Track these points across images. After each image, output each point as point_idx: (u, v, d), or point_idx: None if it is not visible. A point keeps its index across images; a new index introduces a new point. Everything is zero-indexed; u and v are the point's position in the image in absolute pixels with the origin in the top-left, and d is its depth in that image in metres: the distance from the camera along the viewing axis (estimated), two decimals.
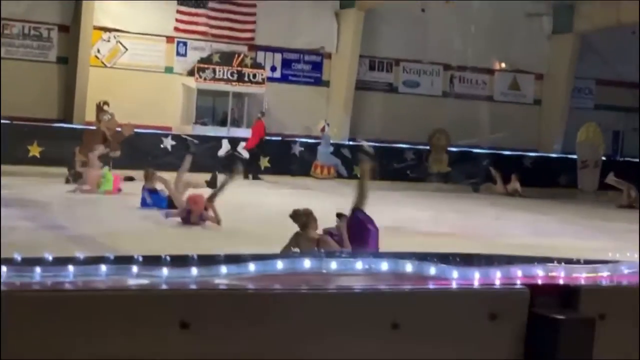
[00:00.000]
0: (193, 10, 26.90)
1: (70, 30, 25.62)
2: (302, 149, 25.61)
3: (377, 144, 27.16)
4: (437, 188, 23.87)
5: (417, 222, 14.74)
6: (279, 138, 25.39)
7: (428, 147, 27.45)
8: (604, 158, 27.30)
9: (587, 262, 3.61)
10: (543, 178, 27.53)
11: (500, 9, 29.34)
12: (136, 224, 12.60)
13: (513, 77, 31.86)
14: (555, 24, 31.00)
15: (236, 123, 27.30)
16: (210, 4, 27.05)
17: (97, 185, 16.59)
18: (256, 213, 14.24)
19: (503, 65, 31.58)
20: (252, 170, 23.32)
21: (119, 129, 18.34)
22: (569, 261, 3.58)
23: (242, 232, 11.69)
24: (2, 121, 21.90)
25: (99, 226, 11.87)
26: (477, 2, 26.72)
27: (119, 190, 16.81)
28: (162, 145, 23.46)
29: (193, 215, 12.70)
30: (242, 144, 25.16)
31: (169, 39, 26.98)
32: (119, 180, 17.07)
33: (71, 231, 11.41)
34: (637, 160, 30.20)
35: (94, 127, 18.98)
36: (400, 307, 3.00)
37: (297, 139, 26.19)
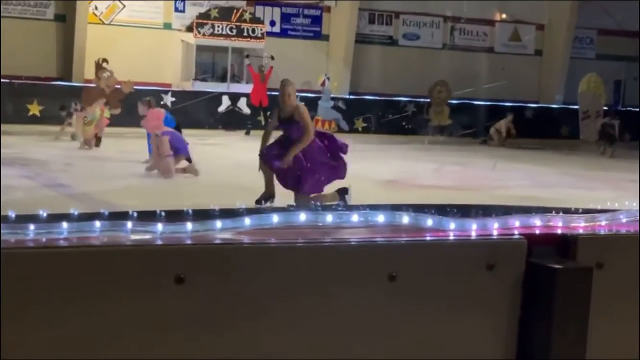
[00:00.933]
0: None
1: None
2: (303, 103, 25.47)
3: (377, 97, 27.24)
4: (437, 140, 23.84)
5: (416, 175, 14.72)
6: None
7: (429, 100, 27.34)
8: (605, 108, 27.17)
9: (585, 211, 3.61)
10: (544, 129, 27.52)
11: None
12: (136, 180, 12.58)
13: (514, 28, 31.65)
14: None
15: (236, 79, 27.20)
16: None
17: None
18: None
19: (504, 16, 31.34)
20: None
21: (118, 86, 18.24)
22: (566, 211, 3.56)
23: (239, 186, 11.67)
24: (1, 80, 21.85)
25: (98, 184, 11.86)
26: None
27: (98, 138, 16.99)
28: (162, 102, 23.37)
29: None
30: (243, 99, 25.08)
31: None
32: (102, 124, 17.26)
33: (71, 189, 11.41)
34: (639, 109, 30.14)
35: (93, 85, 18.87)
36: (397, 258, 2.99)
37: (297, 94, 26.06)
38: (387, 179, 13.93)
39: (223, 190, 11.18)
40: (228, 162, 15.33)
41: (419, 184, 13.77)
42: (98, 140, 17.38)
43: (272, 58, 24.73)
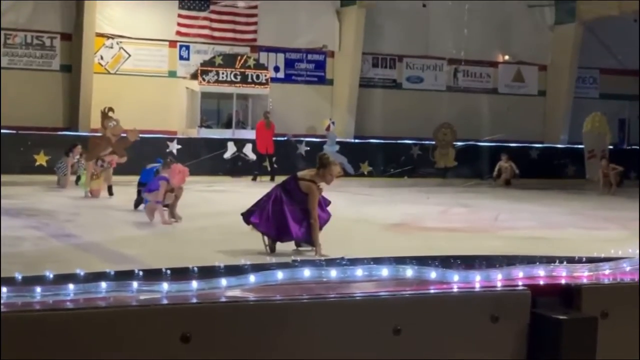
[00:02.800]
0: (194, 13, 26.94)
1: (72, 38, 25.69)
2: (308, 148, 25.59)
3: (382, 140, 27.34)
4: (443, 183, 23.88)
5: (422, 218, 14.72)
6: (284, 138, 25.37)
7: (434, 142, 27.42)
8: (610, 147, 27.23)
9: (588, 260, 3.62)
10: (550, 169, 27.55)
11: (502, 1, 29.32)
12: (142, 229, 12.60)
13: (517, 68, 31.82)
14: (557, 15, 30.97)
15: (241, 125, 27.34)
16: (212, 7, 27.08)
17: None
18: None
19: (506, 57, 31.54)
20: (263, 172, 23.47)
21: (124, 135, 18.35)
22: (570, 260, 3.58)
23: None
24: (7, 131, 21.99)
25: (106, 233, 11.89)
26: None
27: (109, 186, 17.37)
28: (167, 150, 23.48)
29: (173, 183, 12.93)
30: (248, 145, 25.18)
31: (172, 43, 27.03)
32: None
33: (78, 239, 11.44)
34: None
35: (99, 134, 18.99)
36: (402, 312, 3.01)
37: (302, 139, 26.19)
38: (394, 223, 13.93)
39: (229, 236, 11.20)
40: (234, 208, 15.35)
41: (425, 227, 13.76)
42: (109, 189, 17.45)
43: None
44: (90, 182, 17.31)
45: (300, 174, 10.13)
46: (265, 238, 9.99)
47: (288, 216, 9.72)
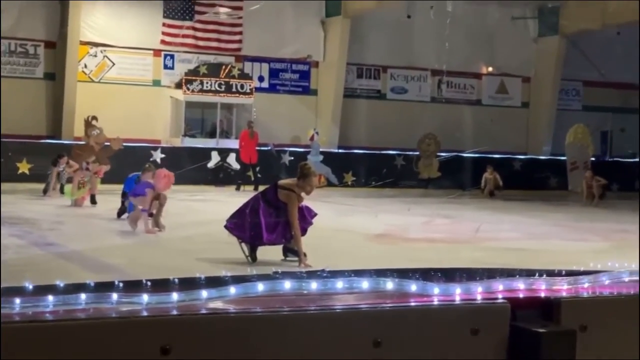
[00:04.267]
0: (179, 22, 26.93)
1: (56, 46, 25.63)
2: (292, 158, 25.59)
3: (366, 151, 27.39)
4: (426, 193, 23.94)
5: (406, 229, 14.72)
6: (268, 147, 25.37)
7: (417, 153, 27.48)
8: (593, 159, 27.39)
9: (567, 273, 3.63)
10: (533, 180, 27.66)
11: (486, 13, 29.47)
12: (125, 238, 12.55)
13: (500, 80, 31.97)
14: (540, 27, 31.16)
15: (225, 134, 27.32)
16: (196, 16, 27.08)
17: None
18: None
19: (490, 69, 31.68)
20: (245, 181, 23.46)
21: (107, 144, 18.29)
22: (550, 273, 3.60)
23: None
24: None
25: (88, 242, 11.84)
26: (463, 7, 26.82)
27: (93, 196, 17.30)
28: (151, 159, 23.42)
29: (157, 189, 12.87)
30: (232, 155, 25.16)
31: (156, 52, 27.00)
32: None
33: (60, 248, 11.38)
34: (626, 160, 30.39)
35: (82, 142, 18.93)
36: (382, 325, 3.02)
37: (286, 149, 26.19)
38: (377, 233, 13.93)
39: (212, 245, 11.17)
40: (217, 218, 15.33)
41: (408, 238, 13.77)
42: (92, 197, 17.38)
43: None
44: (77, 191, 17.26)
45: (281, 182, 10.14)
46: (244, 247, 9.98)
47: (262, 221, 9.74)
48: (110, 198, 17.37)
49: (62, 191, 19.20)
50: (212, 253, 10.53)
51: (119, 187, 15.58)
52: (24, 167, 22.60)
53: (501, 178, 25.20)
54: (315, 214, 10.30)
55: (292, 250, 9.98)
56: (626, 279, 3.66)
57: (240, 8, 27.50)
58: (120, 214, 14.67)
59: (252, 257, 9.92)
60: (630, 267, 3.98)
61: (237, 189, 23.32)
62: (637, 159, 30.79)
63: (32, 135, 24.41)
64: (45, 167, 20.10)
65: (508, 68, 31.41)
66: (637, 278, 3.79)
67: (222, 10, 27.16)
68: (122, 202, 14.74)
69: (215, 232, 12.30)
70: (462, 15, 27.90)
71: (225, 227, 10.10)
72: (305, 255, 9.76)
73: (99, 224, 14.39)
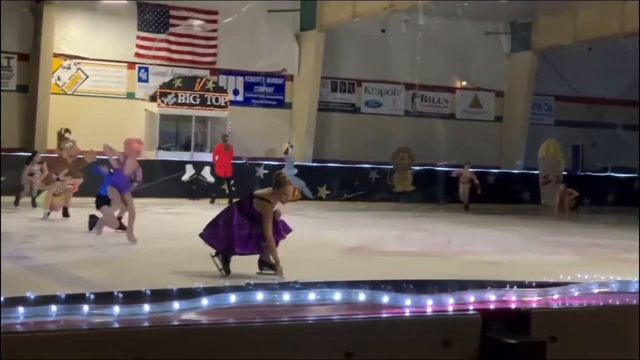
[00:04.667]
0: (153, 35, 26.88)
1: (30, 58, 25.48)
2: (267, 171, 25.58)
3: (341, 164, 27.43)
4: (400, 207, 24.00)
5: (380, 242, 14.75)
6: (243, 161, 25.34)
7: (392, 167, 27.56)
8: (565, 173, 27.60)
9: (538, 285, 3.67)
10: (506, 194, 27.81)
11: (459, 28, 29.66)
12: (97, 251, 12.49)
13: (474, 95, 32.16)
14: (513, 43, 31.43)
15: (200, 147, 27.26)
16: (171, 29, 27.05)
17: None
18: None
19: (464, 83, 31.87)
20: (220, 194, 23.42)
21: (80, 156, 18.19)
22: (520, 284, 3.63)
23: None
24: None
25: (61, 255, 11.76)
26: (437, 22, 26.97)
27: (65, 208, 17.20)
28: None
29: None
30: (207, 168, 25.12)
31: (130, 65, 26.92)
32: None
33: (33, 261, 11.30)
34: (597, 173, 30.66)
35: (55, 155, 18.82)
36: (353, 336, 3.03)
37: (260, 162, 26.18)
38: (351, 247, 13.95)
39: (184, 258, 11.14)
40: (191, 231, 15.29)
41: (382, 251, 13.79)
42: (65, 210, 17.26)
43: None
44: (53, 198, 17.18)
45: (256, 192, 10.14)
46: (217, 261, 9.95)
47: (235, 232, 9.75)
48: (82, 211, 17.24)
49: (34, 204, 19.06)
50: (185, 266, 10.50)
51: (92, 200, 15.49)
52: None
53: (476, 191, 25.34)
54: (290, 230, 10.29)
55: (267, 264, 9.97)
56: (595, 291, 3.70)
57: (215, 21, 27.51)
58: (91, 226, 14.59)
59: (226, 270, 9.89)
60: (599, 279, 4.02)
61: (212, 202, 23.27)
62: (607, 173, 31.10)
63: (4, 147, 24.19)
64: (17, 179, 19.97)
65: (481, 82, 31.62)
66: (608, 290, 3.83)
67: (196, 23, 27.15)
68: (91, 216, 14.64)
69: (189, 245, 12.29)
70: (437, 30, 28.05)
71: (200, 235, 10.11)
72: (279, 266, 9.77)
73: (72, 237, 14.29)
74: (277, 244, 10.00)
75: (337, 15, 27.08)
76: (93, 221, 14.57)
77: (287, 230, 10.23)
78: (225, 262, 9.93)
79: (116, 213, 14.05)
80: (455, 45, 30.02)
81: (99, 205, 14.65)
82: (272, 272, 9.79)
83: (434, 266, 11.78)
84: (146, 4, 26.87)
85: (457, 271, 10.80)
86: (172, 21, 27.11)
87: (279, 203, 10.01)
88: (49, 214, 17.04)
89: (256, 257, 10.12)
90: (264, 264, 10.02)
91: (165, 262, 11.09)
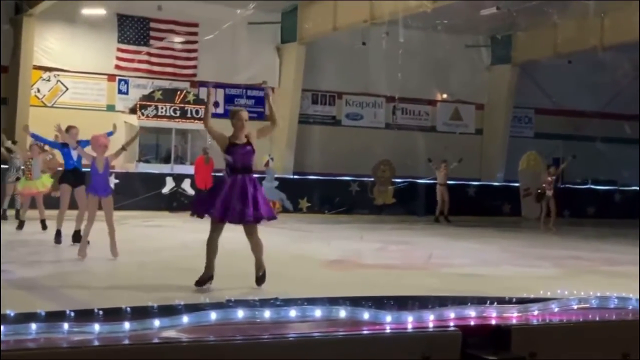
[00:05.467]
0: (133, 47, 26.86)
1: (9, 70, 25.38)
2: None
3: (321, 177, 27.45)
4: (381, 219, 24.05)
5: (360, 255, 14.76)
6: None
7: (372, 179, 27.61)
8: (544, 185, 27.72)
9: (518, 301, 3.69)
10: (487, 207, 27.93)
11: (439, 41, 29.80)
12: (75, 264, 12.42)
13: (455, 107, 32.32)
14: (493, 55, 31.63)
15: (180, 160, 27.22)
16: (151, 41, 27.03)
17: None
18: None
19: (444, 96, 32.02)
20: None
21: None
22: (500, 300, 3.65)
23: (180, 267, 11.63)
24: None
25: (39, 269, 11.70)
26: (418, 35, 27.09)
27: (42, 220, 17.09)
28: None
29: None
30: (187, 180, 25.07)
31: (110, 77, 26.88)
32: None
33: (11, 275, 11.22)
34: (577, 186, 30.83)
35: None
36: (334, 353, 3.04)
37: None
38: (331, 259, 13.95)
39: (165, 272, 11.12)
40: (172, 244, 15.27)
41: (363, 264, 13.80)
42: (43, 222, 17.11)
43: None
44: (24, 182, 17.25)
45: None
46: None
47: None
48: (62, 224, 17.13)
49: (17, 217, 18.90)
50: (165, 279, 10.47)
51: (71, 213, 15.40)
52: None
53: (453, 204, 25.43)
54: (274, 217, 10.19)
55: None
56: (575, 307, 3.73)
57: (195, 34, 27.52)
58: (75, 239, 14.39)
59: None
60: (581, 293, 4.05)
61: (192, 214, 23.19)
62: (587, 185, 31.29)
63: None
64: None
65: (462, 95, 31.80)
66: (587, 305, 3.85)
67: (177, 39, 27.15)
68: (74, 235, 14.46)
69: (170, 258, 12.27)
70: (417, 42, 28.16)
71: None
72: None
73: (50, 250, 14.22)
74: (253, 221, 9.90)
75: (317, 28, 27.17)
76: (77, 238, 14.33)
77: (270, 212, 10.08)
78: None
79: (84, 224, 13.55)
80: (435, 58, 30.17)
81: (62, 180, 14.59)
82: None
83: (414, 279, 11.79)
84: (126, 17, 26.85)
85: (437, 284, 10.83)
86: (152, 34, 27.10)
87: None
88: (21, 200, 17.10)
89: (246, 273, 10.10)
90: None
91: (146, 276, 11.05)
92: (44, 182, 17.56)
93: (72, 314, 2.93)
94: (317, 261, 13.61)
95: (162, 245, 14.87)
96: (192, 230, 16.37)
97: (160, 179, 25.12)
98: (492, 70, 31.79)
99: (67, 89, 26.27)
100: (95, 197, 12.80)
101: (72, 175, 14.76)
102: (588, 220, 27.73)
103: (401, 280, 11.70)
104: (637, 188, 30.11)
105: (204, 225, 10.61)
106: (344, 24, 26.03)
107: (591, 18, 25.50)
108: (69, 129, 14.87)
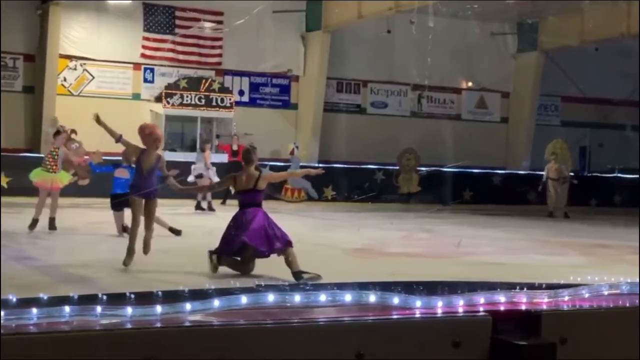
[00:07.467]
0: (159, 36, 26.93)
1: (35, 59, 25.55)
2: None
3: (346, 165, 27.43)
4: (406, 208, 24.00)
5: (385, 243, 14.76)
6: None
7: (397, 168, 27.56)
8: (571, 174, 27.53)
9: (548, 286, 3.67)
10: (512, 195, 27.78)
11: (465, 29, 29.66)
12: (104, 252, 12.50)
13: (480, 95, 32.15)
14: (519, 43, 31.40)
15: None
16: (177, 30, 27.09)
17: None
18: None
19: (470, 84, 31.86)
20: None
21: (87, 157, 18.23)
22: (530, 286, 3.63)
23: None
24: None
25: (68, 256, 11.80)
26: (443, 23, 26.98)
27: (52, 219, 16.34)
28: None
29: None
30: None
31: (136, 66, 26.98)
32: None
33: (39, 262, 11.34)
34: (604, 175, 30.59)
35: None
36: (364, 337, 3.04)
37: (266, 163, 26.18)
38: (356, 247, 13.97)
39: (194, 259, 11.16)
40: (199, 231, 15.35)
41: (388, 252, 13.81)
42: (52, 221, 15.34)
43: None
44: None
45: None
46: (214, 258, 10.02)
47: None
48: (88, 212, 17.33)
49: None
50: (194, 267, 10.53)
51: (98, 201, 15.51)
52: (2, 181, 22.47)
53: (480, 193, 25.30)
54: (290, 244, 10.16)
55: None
56: (605, 292, 3.71)
57: (220, 22, 27.54)
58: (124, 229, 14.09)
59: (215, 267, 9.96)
60: (609, 280, 4.03)
61: (223, 202, 23.25)
62: (615, 174, 31.04)
63: (10, 148, 24.28)
64: (24, 181, 19.96)
65: (487, 83, 31.63)
66: (618, 291, 3.83)
67: (207, 25, 27.18)
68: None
69: (197, 245, 12.31)
70: (442, 30, 28.04)
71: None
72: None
73: (78, 238, 14.34)
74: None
75: (342, 16, 27.11)
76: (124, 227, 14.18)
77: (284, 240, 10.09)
78: (220, 262, 9.98)
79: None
80: (461, 46, 30.02)
81: (115, 206, 14.37)
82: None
83: (440, 267, 11.79)
84: (152, 5, 26.92)
85: (464, 273, 10.81)
86: (177, 22, 27.16)
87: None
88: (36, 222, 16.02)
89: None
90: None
91: (174, 263, 11.12)
92: (62, 178, 16.57)
93: (105, 297, 2.96)
94: (342, 249, 13.64)
95: (191, 232, 14.97)
96: (220, 218, 16.45)
97: (185, 167, 25.17)
98: (518, 58, 31.56)
99: (93, 77, 26.40)
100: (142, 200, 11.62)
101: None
102: (615, 209, 27.52)
103: (427, 268, 11.70)
104: None
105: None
106: (369, 12, 25.95)
107: (619, 4, 25.26)
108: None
